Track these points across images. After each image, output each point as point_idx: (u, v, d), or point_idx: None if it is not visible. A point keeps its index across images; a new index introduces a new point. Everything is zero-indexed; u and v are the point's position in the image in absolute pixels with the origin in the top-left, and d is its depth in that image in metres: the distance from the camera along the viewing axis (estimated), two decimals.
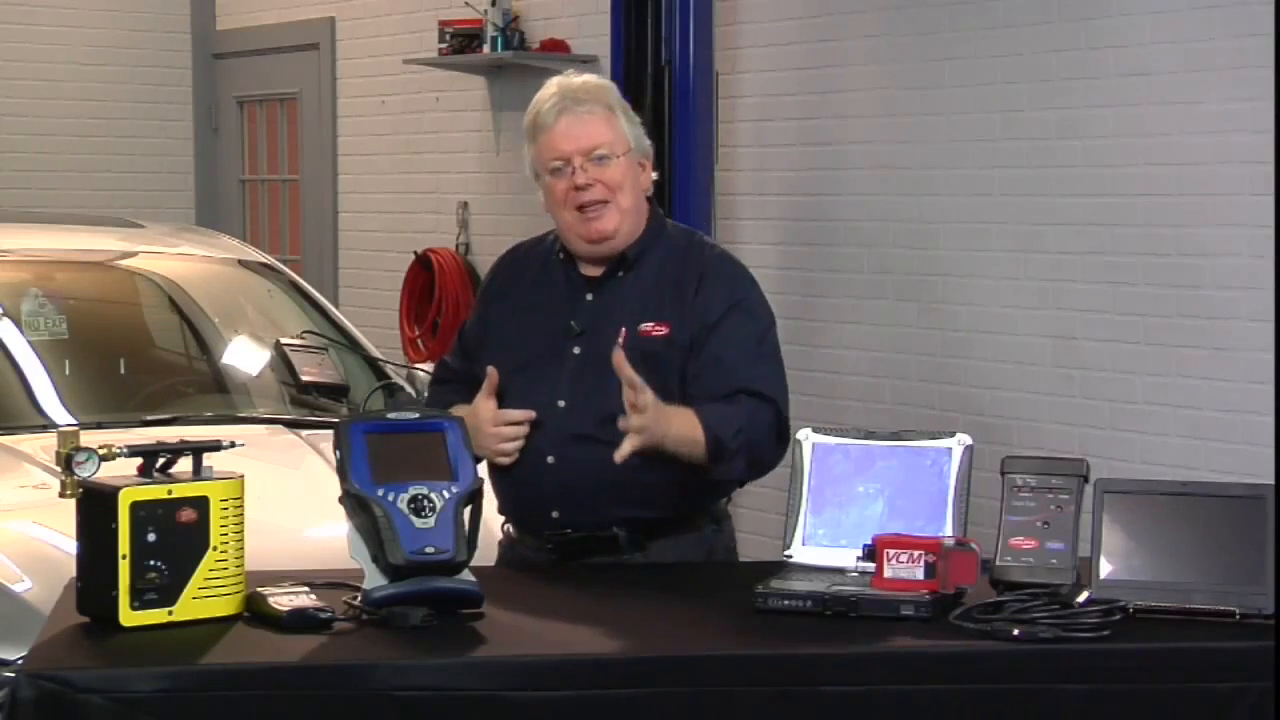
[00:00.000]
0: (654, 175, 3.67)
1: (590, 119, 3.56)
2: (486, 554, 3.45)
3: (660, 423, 3.37)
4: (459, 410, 3.57)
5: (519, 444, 3.52)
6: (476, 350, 3.71)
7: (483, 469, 3.23)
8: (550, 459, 3.53)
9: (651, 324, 3.54)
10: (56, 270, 5.48)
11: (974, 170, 6.28)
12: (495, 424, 3.52)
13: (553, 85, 3.61)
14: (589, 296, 3.61)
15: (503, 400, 3.58)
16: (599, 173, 3.54)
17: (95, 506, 2.91)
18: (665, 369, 3.49)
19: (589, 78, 3.66)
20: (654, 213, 3.66)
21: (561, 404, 3.54)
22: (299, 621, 2.89)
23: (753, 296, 3.64)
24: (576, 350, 3.57)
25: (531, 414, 3.52)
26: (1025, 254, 6.13)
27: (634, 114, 3.66)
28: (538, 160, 3.60)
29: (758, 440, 3.47)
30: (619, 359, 3.35)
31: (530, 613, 3.10)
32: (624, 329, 3.51)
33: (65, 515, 3.04)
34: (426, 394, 3.84)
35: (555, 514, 3.54)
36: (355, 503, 2.97)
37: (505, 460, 3.53)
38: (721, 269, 3.63)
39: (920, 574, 3.01)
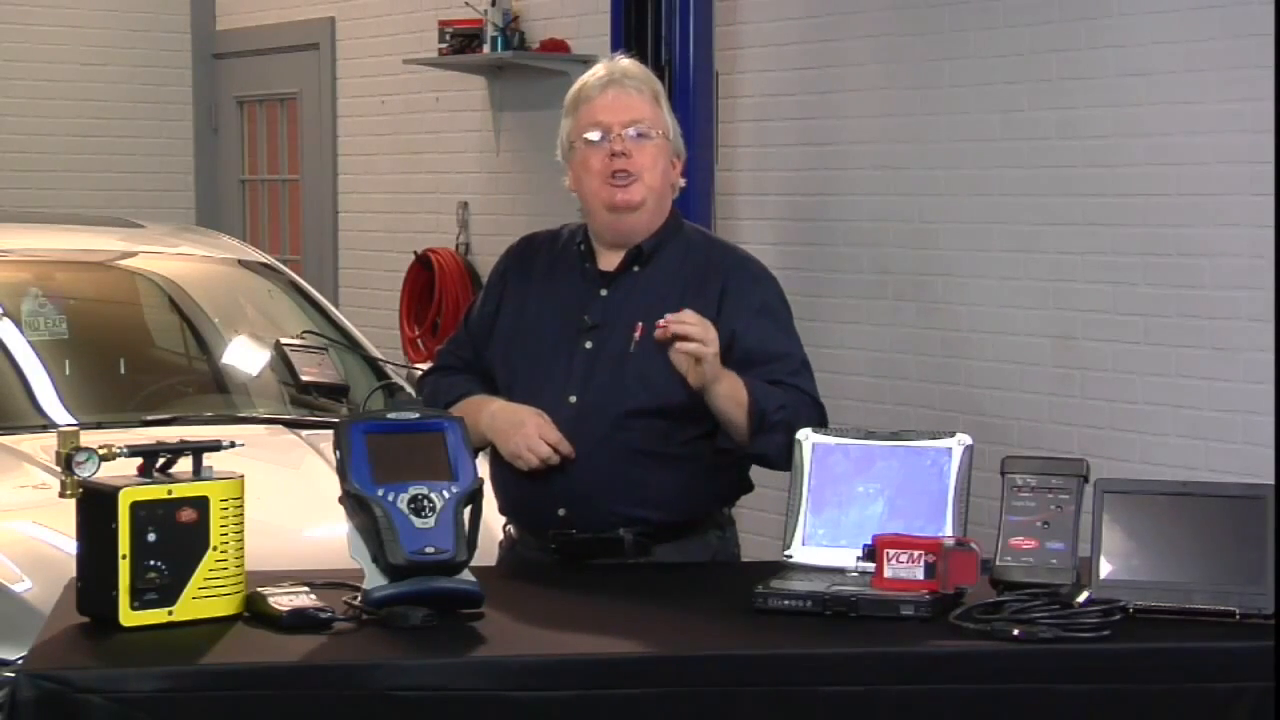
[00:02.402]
0: (683, 182, 3.66)
1: (636, 96, 3.58)
2: (486, 554, 3.45)
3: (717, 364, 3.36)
4: (476, 399, 3.56)
5: (539, 466, 3.47)
6: (486, 339, 3.68)
7: (483, 469, 3.23)
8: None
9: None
10: (56, 270, 5.47)
11: (974, 170, 6.27)
12: (539, 434, 3.47)
13: (600, 65, 3.63)
14: (603, 292, 3.59)
15: (510, 394, 3.56)
16: (635, 147, 3.54)
17: (95, 506, 2.91)
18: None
19: (637, 63, 3.68)
20: (674, 211, 3.66)
21: (573, 399, 3.51)
22: (299, 621, 2.89)
23: (775, 295, 3.64)
24: (589, 345, 3.55)
25: (571, 452, 3.47)
26: (1025, 254, 6.13)
27: (674, 113, 3.66)
28: (575, 131, 3.58)
29: (798, 422, 3.39)
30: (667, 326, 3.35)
31: (530, 613, 3.09)
32: (639, 324, 3.51)
33: (65, 515, 3.03)
34: (427, 383, 3.75)
35: (561, 512, 3.51)
36: (355, 503, 2.96)
37: (519, 465, 3.48)
38: (746, 271, 3.63)
39: (920, 574, 3.00)
